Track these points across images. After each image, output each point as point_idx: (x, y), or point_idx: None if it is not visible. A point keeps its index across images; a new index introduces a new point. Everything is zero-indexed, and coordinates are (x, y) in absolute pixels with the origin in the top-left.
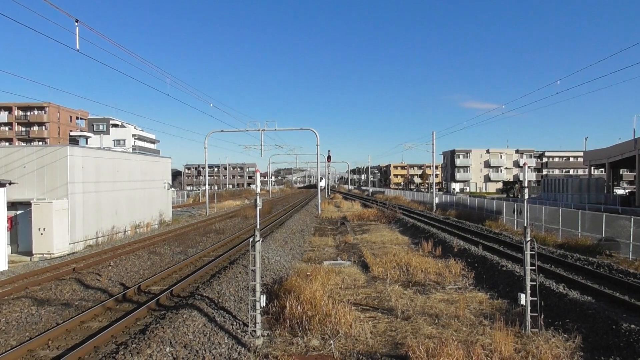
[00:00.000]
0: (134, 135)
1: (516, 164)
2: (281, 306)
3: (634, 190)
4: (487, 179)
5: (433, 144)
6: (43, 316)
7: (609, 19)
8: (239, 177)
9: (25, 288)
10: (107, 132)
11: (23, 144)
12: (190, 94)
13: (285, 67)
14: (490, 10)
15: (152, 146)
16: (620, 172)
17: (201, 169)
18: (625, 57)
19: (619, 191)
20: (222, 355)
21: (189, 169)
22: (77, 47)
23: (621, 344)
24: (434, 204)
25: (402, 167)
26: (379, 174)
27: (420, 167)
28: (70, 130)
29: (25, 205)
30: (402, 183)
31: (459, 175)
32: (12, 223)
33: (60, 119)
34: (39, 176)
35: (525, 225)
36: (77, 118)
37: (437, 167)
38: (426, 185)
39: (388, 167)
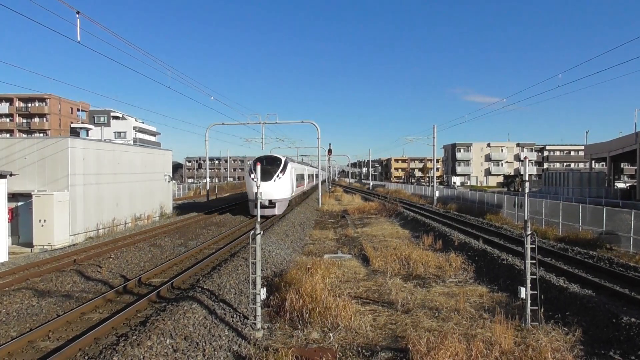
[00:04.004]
0: (134, 128)
1: (517, 158)
2: (281, 299)
3: (635, 183)
4: (488, 172)
5: (434, 138)
6: (43, 307)
7: (610, 12)
8: (239, 170)
9: (25, 279)
10: (108, 124)
11: (24, 136)
12: (191, 87)
13: (286, 60)
14: (492, 3)
15: (153, 138)
16: (621, 166)
17: (202, 162)
18: (627, 51)
19: (620, 185)
20: (222, 348)
21: (189, 161)
22: (78, 39)
23: (621, 337)
24: (435, 198)
25: (403, 161)
26: (379, 168)
27: (421, 160)
28: (71, 122)
29: (26, 196)
30: (403, 176)
31: (459, 169)
32: (13, 214)
33: (61, 110)
34: (39, 168)
35: (526, 218)
36: (78, 110)
37: (438, 161)
38: (427, 179)
39: (389, 160)
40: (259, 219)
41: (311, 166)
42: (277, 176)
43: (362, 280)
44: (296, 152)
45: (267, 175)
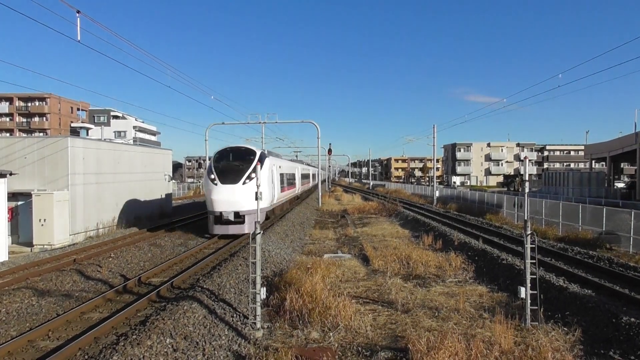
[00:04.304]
0: (134, 127)
1: (517, 158)
2: (281, 299)
3: (634, 181)
4: (488, 172)
5: (434, 137)
6: (43, 307)
7: (610, 11)
8: None
9: (25, 279)
10: (108, 124)
11: (24, 135)
12: (191, 86)
13: (286, 60)
14: (492, 4)
15: (153, 138)
16: (621, 166)
17: (202, 161)
18: (627, 51)
19: (620, 185)
20: (222, 347)
21: (189, 161)
22: (78, 38)
23: (621, 337)
24: (435, 198)
25: (403, 161)
26: (379, 167)
27: (421, 160)
28: (71, 122)
29: (26, 196)
30: (403, 176)
31: (459, 169)
32: (13, 214)
33: (61, 110)
34: (39, 167)
35: (526, 218)
36: (78, 109)
37: (438, 161)
38: (427, 179)
39: (389, 160)
40: (258, 219)
41: (308, 164)
42: (248, 177)
43: (362, 280)
44: (295, 151)
45: (232, 176)
